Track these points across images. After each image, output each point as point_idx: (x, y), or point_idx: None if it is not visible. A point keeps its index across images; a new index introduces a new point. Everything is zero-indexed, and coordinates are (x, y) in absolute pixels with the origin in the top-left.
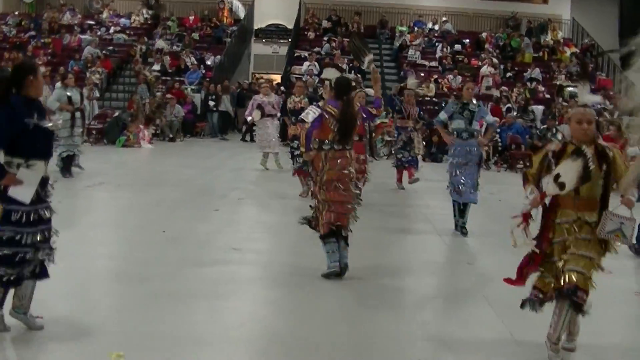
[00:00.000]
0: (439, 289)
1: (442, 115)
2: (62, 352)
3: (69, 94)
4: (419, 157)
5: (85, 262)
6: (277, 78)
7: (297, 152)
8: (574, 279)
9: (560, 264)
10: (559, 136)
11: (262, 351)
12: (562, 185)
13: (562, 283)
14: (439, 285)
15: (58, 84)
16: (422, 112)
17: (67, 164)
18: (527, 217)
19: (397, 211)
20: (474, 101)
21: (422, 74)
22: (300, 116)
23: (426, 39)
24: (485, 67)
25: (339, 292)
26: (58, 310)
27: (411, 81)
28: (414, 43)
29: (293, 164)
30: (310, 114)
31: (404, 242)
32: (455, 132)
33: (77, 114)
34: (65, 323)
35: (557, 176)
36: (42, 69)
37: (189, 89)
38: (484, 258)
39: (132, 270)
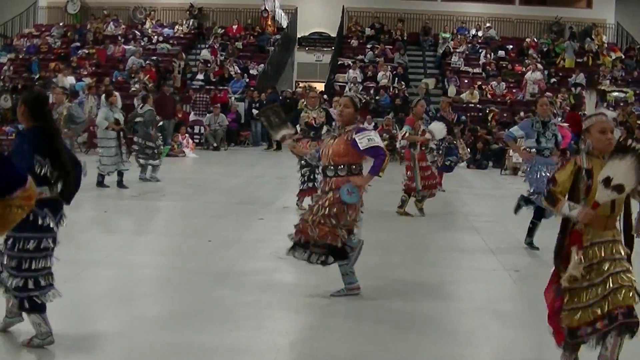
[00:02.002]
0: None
1: (517, 132)
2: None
3: (115, 116)
4: (464, 163)
5: (131, 271)
6: (321, 86)
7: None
8: (622, 300)
9: (599, 289)
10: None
11: None
12: (619, 188)
13: (609, 307)
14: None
15: (103, 101)
16: (462, 117)
17: (120, 180)
18: (579, 237)
19: (443, 221)
20: (552, 117)
21: (466, 81)
22: (373, 142)
23: (469, 45)
24: (529, 73)
25: (385, 304)
26: (104, 319)
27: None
28: (457, 50)
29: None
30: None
31: (452, 258)
32: (534, 150)
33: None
34: (110, 331)
35: (608, 180)
36: (88, 80)
37: (233, 98)
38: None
39: (177, 279)
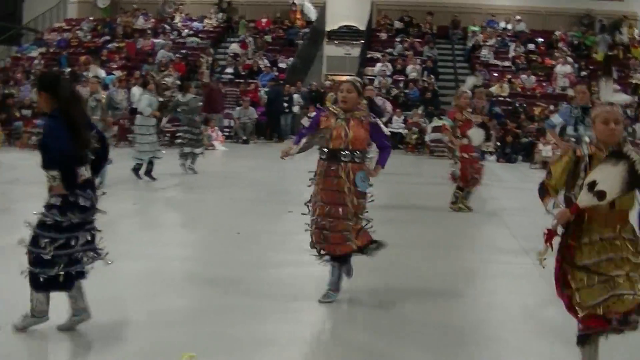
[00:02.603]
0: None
1: (556, 119)
2: (135, 351)
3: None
4: (493, 156)
5: (160, 264)
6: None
7: None
8: (621, 305)
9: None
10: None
11: (332, 354)
12: (601, 195)
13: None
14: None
15: (138, 89)
16: (494, 108)
17: (151, 169)
18: (552, 234)
19: (471, 215)
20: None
21: (495, 74)
22: (386, 131)
23: (499, 38)
24: (559, 66)
25: (409, 299)
26: (131, 311)
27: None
28: (486, 43)
29: None
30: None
31: (481, 253)
32: (574, 139)
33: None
34: (138, 323)
35: (593, 184)
36: (118, 73)
37: (262, 92)
38: None
39: (205, 272)
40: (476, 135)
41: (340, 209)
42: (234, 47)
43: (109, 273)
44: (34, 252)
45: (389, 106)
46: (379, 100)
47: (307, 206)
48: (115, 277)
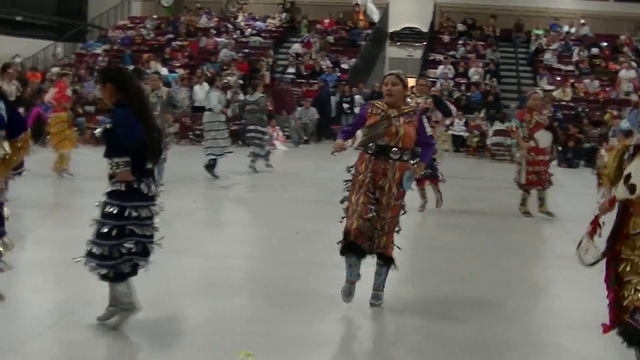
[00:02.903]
0: None
1: (624, 124)
2: (192, 348)
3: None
4: (555, 161)
5: (219, 261)
6: (412, 82)
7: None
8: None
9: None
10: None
11: (386, 355)
12: (632, 188)
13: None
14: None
15: (200, 87)
16: (557, 112)
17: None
18: (595, 225)
19: (531, 220)
20: None
21: (559, 79)
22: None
23: (562, 42)
24: (623, 71)
25: (464, 307)
26: (190, 307)
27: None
28: (550, 47)
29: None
30: None
31: (542, 260)
32: None
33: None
34: (196, 320)
35: (628, 177)
36: (180, 71)
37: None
38: None
39: (263, 270)
40: (543, 138)
41: (380, 208)
42: (296, 47)
43: (167, 269)
44: (102, 246)
45: (453, 108)
46: None
47: (345, 201)
48: (173, 273)
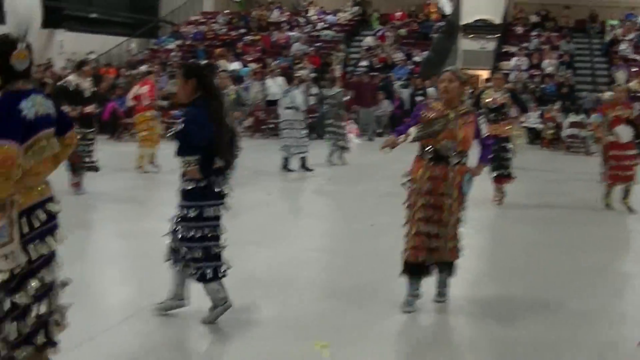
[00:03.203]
0: None
1: None
2: (267, 340)
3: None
4: None
5: (293, 253)
6: (486, 74)
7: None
8: None
9: None
10: None
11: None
12: None
13: None
14: None
15: (273, 81)
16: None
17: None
18: None
19: (611, 214)
20: None
21: (634, 69)
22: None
23: (638, 32)
24: None
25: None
26: (263, 298)
27: (622, 76)
28: (625, 37)
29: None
30: None
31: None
32: None
33: None
34: (270, 312)
35: None
36: (253, 65)
37: (397, 85)
38: None
39: (338, 262)
40: (624, 132)
41: (443, 215)
42: (368, 41)
43: (241, 261)
44: (195, 249)
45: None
46: None
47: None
48: (247, 266)
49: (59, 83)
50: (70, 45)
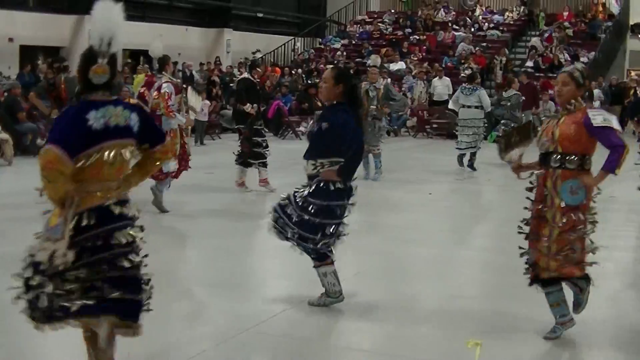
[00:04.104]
0: None
1: None
2: (425, 337)
3: None
4: None
5: (452, 251)
6: None
7: None
8: None
9: None
10: None
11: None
12: None
13: None
14: None
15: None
16: None
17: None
18: None
19: None
20: None
21: None
22: (610, 122)
23: None
24: None
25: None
26: (422, 292)
27: None
28: None
29: None
30: None
31: None
32: None
33: None
34: (429, 307)
35: None
36: (418, 65)
37: None
38: None
39: (498, 261)
40: None
41: (540, 225)
42: (535, 41)
43: (398, 258)
44: (321, 241)
45: None
46: None
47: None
48: (407, 262)
49: (241, 77)
50: (236, 44)
